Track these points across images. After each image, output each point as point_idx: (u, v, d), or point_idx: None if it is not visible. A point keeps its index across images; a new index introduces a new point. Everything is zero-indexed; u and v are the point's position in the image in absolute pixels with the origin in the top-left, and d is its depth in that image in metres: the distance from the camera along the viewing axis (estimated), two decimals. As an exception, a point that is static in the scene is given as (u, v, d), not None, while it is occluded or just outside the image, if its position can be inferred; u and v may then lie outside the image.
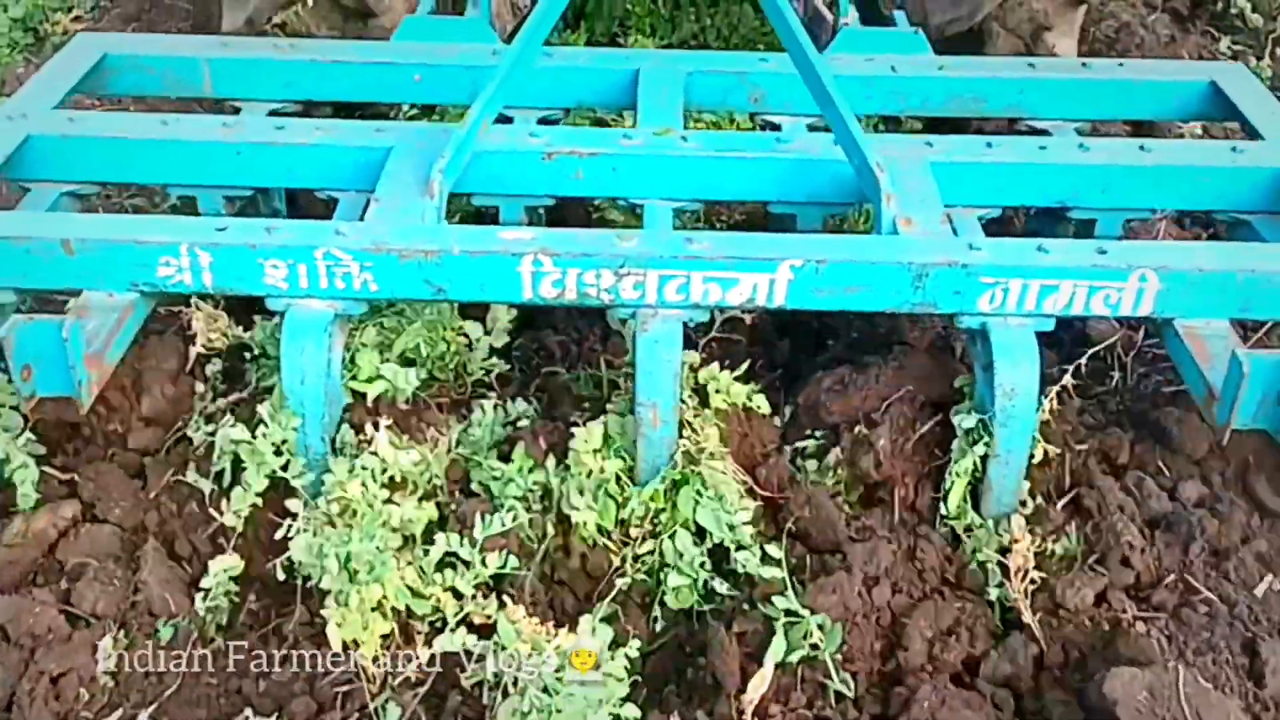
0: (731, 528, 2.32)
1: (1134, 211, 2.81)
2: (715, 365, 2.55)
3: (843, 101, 2.53)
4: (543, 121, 2.96)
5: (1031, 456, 2.44)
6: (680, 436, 2.39)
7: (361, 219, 2.52)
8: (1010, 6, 3.34)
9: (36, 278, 2.38)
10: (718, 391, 2.52)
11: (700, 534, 2.36)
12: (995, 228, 2.74)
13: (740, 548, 2.30)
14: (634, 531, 2.37)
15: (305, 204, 3.00)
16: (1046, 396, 2.46)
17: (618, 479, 2.39)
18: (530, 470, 2.42)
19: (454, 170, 2.55)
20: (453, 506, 2.40)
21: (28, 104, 2.83)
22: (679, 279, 2.35)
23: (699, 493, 2.36)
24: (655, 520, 2.37)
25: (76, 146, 2.72)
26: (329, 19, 3.30)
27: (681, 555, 2.32)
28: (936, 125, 3.20)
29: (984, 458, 2.42)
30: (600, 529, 2.36)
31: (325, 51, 3.12)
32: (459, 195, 2.72)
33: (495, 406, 2.59)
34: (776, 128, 2.98)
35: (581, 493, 2.35)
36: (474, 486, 2.44)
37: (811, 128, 2.94)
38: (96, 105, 3.56)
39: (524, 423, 2.59)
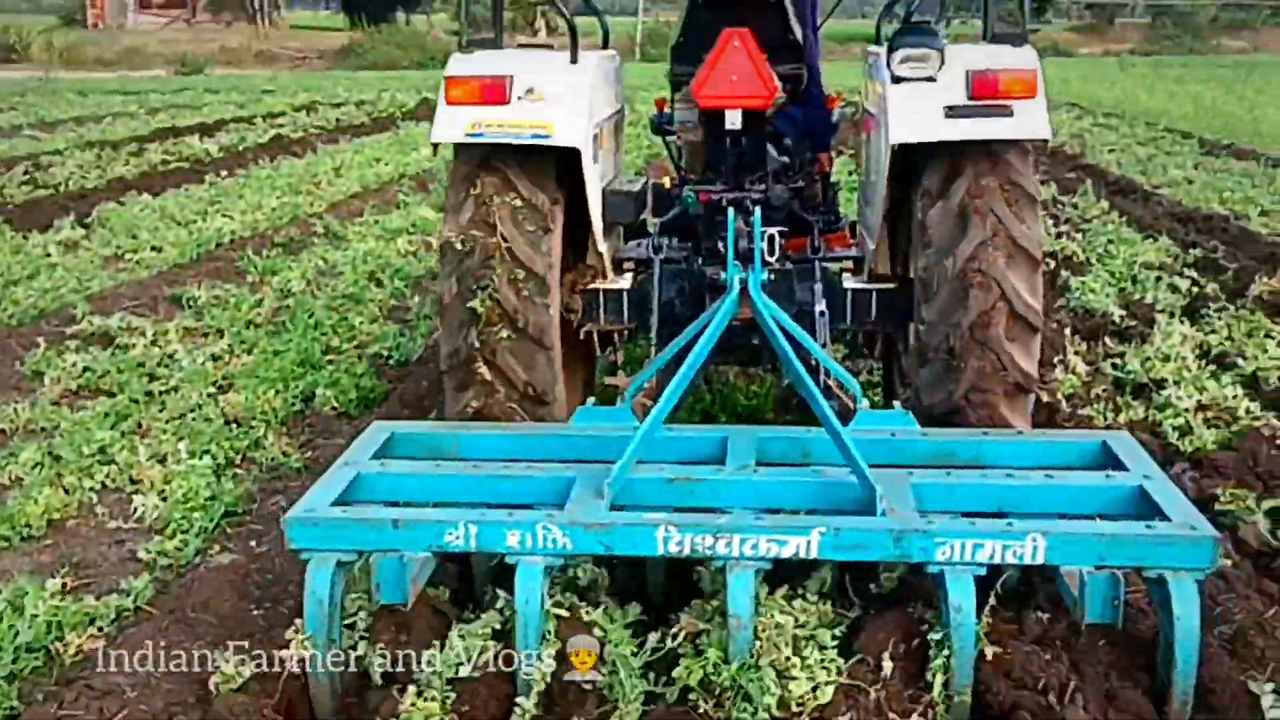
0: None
1: (1047, 516, 4.33)
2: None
3: (853, 445, 4.21)
4: None
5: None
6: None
7: (558, 515, 4.19)
8: (974, 397, 5.06)
9: (375, 542, 4.04)
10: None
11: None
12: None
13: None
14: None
15: None
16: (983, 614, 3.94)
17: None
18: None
19: (616, 485, 4.22)
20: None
21: (353, 458, 4.64)
22: (752, 540, 3.94)
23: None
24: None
25: (386, 479, 4.50)
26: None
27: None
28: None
29: (949, 656, 3.86)
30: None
31: (528, 429, 4.95)
32: (615, 507, 4.37)
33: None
34: (818, 473, 4.66)
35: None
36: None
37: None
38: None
39: None
